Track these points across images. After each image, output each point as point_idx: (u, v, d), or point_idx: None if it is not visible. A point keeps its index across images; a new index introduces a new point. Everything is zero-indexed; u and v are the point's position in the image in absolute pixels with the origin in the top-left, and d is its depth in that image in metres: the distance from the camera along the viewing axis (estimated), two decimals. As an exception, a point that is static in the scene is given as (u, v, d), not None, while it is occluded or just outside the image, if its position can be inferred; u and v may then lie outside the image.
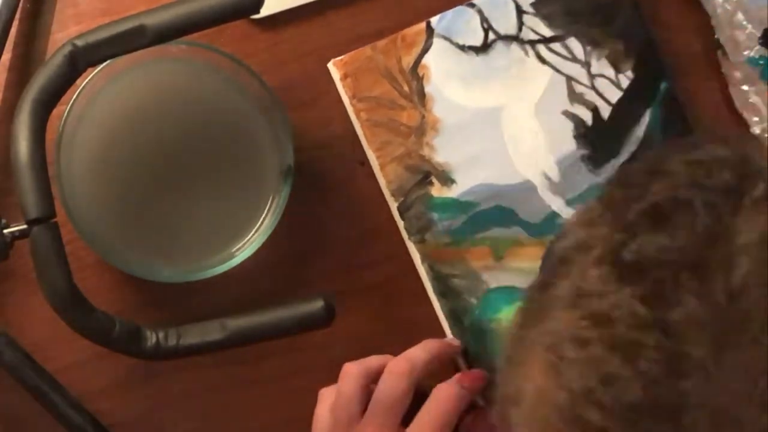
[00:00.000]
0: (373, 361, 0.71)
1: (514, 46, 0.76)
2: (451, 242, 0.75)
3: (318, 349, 0.73)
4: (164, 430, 0.74)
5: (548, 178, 0.75)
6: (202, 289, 0.71)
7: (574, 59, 0.76)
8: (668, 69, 0.76)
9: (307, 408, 0.71)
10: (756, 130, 0.76)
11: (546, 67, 0.76)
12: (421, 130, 0.75)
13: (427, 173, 0.75)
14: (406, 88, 0.75)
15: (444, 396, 0.70)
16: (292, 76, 0.75)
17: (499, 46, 0.75)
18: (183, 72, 0.72)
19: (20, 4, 0.72)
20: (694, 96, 0.77)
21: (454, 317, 0.74)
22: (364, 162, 0.75)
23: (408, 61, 0.75)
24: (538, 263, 0.75)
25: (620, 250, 0.46)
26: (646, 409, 0.44)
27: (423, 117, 0.75)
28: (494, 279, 0.75)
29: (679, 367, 0.44)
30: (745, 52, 0.76)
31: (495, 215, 0.75)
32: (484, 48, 0.75)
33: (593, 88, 0.76)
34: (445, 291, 0.74)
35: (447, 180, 0.75)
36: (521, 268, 0.75)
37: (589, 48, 0.76)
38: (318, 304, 0.67)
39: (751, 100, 0.77)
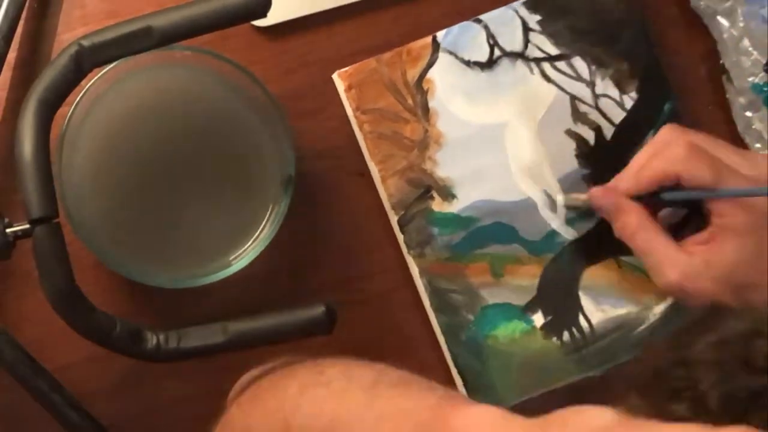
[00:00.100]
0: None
1: (520, 63, 0.76)
2: (451, 257, 0.74)
3: (314, 357, 0.73)
4: (162, 431, 0.74)
5: (549, 196, 0.75)
6: (203, 293, 0.71)
7: (578, 78, 0.76)
8: (673, 91, 0.76)
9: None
10: (758, 156, 0.77)
11: (550, 86, 0.76)
12: (424, 144, 0.75)
13: (428, 187, 0.74)
14: (410, 101, 0.75)
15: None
16: (296, 85, 0.75)
17: (505, 62, 0.75)
18: (186, 78, 0.72)
19: (27, 3, 0.72)
20: (698, 120, 0.77)
21: (451, 332, 0.74)
22: (364, 173, 0.75)
23: (413, 74, 0.75)
24: (536, 281, 0.75)
25: None
26: None
27: (426, 131, 0.75)
28: (492, 295, 0.74)
29: None
30: (750, 78, 0.76)
31: (495, 232, 0.75)
32: (490, 64, 0.75)
33: (597, 108, 0.76)
34: (442, 306, 0.74)
35: (448, 195, 0.74)
36: (520, 285, 0.75)
37: (593, 67, 0.76)
38: (320, 310, 0.67)
39: (754, 126, 0.77)
